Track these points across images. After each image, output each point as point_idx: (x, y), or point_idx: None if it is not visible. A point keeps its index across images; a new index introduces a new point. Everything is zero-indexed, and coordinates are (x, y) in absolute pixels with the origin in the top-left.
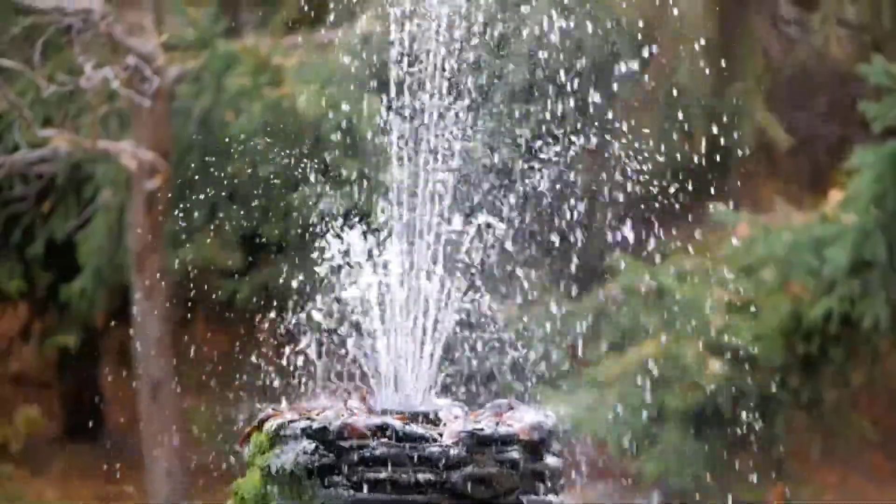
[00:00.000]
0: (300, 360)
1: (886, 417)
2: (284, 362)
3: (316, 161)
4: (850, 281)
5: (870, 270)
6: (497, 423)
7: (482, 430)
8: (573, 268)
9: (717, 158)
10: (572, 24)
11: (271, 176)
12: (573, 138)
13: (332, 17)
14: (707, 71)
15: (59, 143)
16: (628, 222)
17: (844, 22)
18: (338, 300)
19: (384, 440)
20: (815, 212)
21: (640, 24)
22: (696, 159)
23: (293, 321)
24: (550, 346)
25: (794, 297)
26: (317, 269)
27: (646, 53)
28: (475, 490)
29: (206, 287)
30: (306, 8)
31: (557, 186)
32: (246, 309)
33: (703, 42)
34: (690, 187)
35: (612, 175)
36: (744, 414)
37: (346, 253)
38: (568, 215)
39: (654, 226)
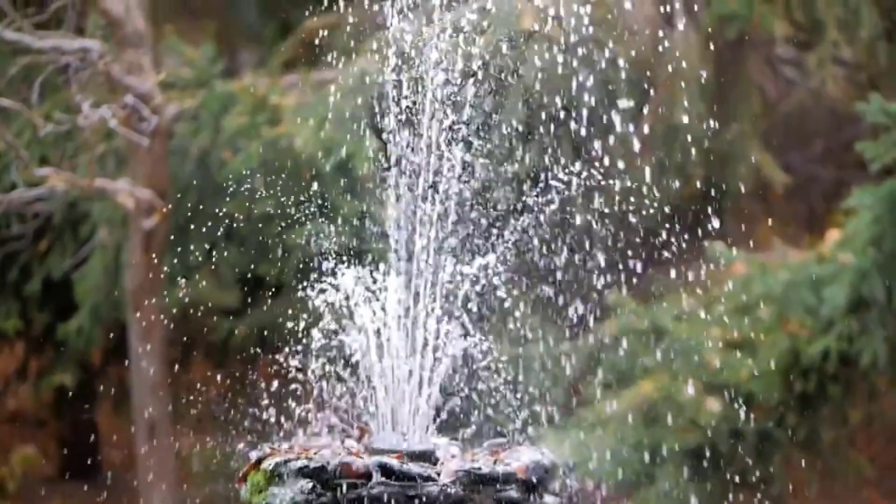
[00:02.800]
0: (297, 399)
1: (883, 455)
2: (282, 401)
3: (314, 200)
4: (847, 320)
5: (867, 309)
6: (494, 462)
7: (479, 469)
8: (570, 307)
9: (714, 198)
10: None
11: (269, 215)
12: (570, 178)
13: (329, 57)
14: (704, 111)
15: (56, 182)
16: (625, 261)
17: (841, 61)
18: (335, 339)
19: (381, 479)
20: (813, 251)
21: (638, 64)
22: (692, 199)
23: (290, 360)
24: (547, 385)
25: (792, 335)
26: (314, 308)
27: (643, 94)
28: None
29: (203, 326)
30: (304, 47)
31: (554, 225)
32: (243, 348)
33: (699, 82)
34: (687, 226)
35: (610, 214)
36: (741, 453)
37: (344, 292)
38: (565, 254)
39: (651, 265)
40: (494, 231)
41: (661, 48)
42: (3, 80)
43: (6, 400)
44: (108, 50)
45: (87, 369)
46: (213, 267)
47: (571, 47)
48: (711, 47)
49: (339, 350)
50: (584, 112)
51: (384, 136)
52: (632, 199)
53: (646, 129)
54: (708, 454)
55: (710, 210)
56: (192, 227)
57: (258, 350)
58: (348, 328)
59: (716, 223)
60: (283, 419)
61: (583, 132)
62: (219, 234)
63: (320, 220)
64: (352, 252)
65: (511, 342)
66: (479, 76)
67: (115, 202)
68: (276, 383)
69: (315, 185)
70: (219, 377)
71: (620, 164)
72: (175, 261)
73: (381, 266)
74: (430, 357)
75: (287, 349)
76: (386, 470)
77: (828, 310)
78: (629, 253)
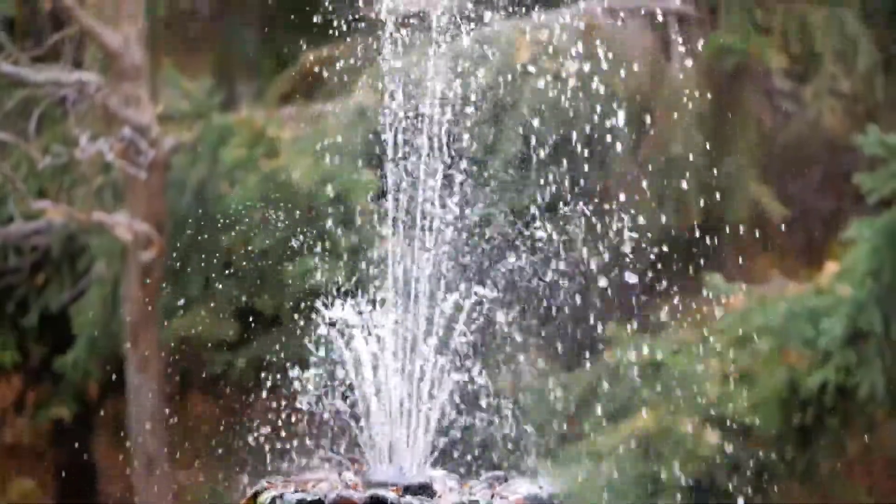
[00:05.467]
0: (295, 432)
1: (882, 485)
2: (279, 434)
3: (311, 233)
4: (845, 351)
5: (865, 341)
6: (492, 495)
7: (477, 501)
8: (568, 339)
9: (712, 230)
10: (567, 96)
11: (266, 247)
12: (567, 209)
13: (327, 89)
14: (701, 143)
15: (54, 214)
16: (624, 294)
17: (838, 93)
18: (333, 372)
19: None
20: (811, 283)
21: (635, 96)
22: (690, 231)
23: (288, 393)
24: (545, 418)
25: (790, 367)
26: (311, 341)
27: (640, 126)
28: None
29: (200, 359)
30: (301, 80)
31: (552, 257)
32: (241, 381)
33: (697, 114)
34: (685, 258)
35: (608, 246)
36: (740, 484)
37: (341, 325)
38: (563, 286)
39: (650, 297)
40: (492, 263)
41: (658, 80)
42: (0, 112)
43: (4, 432)
44: (105, 83)
45: (84, 402)
46: (210, 299)
47: (568, 80)
48: (709, 79)
49: (335, 382)
50: (582, 144)
51: (381, 168)
52: (630, 232)
53: (643, 161)
54: (707, 486)
55: (707, 242)
56: (190, 259)
57: (255, 383)
58: (345, 361)
59: (714, 255)
60: (280, 452)
61: (580, 164)
62: (216, 266)
63: (317, 253)
64: (348, 284)
65: (508, 374)
66: (477, 108)
67: (113, 235)
68: (273, 416)
69: (313, 218)
70: (216, 410)
71: (618, 196)
72: (172, 293)
73: (378, 298)
74: (427, 389)
75: (284, 382)
76: (383, 503)
77: (826, 342)
78: (627, 285)
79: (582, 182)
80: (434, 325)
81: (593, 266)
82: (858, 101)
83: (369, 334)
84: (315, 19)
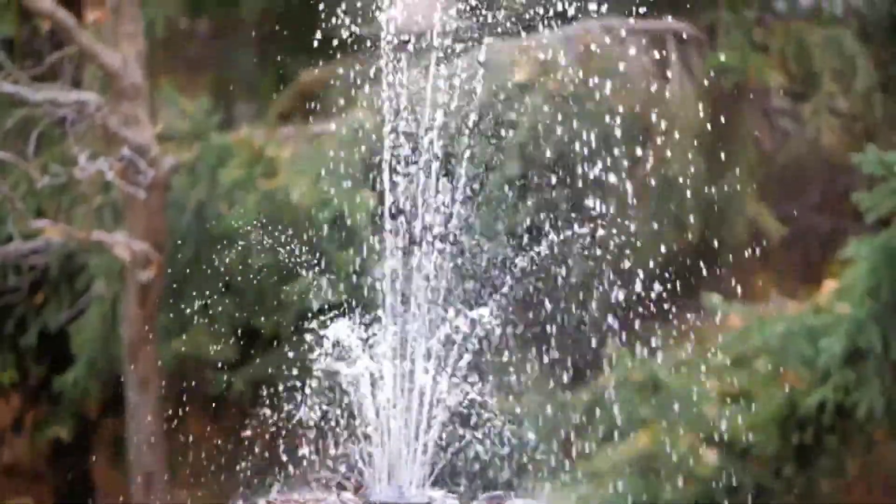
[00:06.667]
0: (294, 452)
1: None
2: (278, 454)
3: (310, 252)
4: (844, 370)
5: (864, 360)
6: None
7: None
8: (567, 359)
9: (710, 249)
10: (565, 115)
11: (265, 267)
12: (566, 229)
13: (326, 109)
14: (699, 162)
15: (53, 234)
16: (622, 313)
17: (836, 112)
18: (331, 392)
19: None
20: (809, 302)
21: (634, 115)
22: (688, 250)
23: (287, 413)
24: (544, 437)
25: (789, 386)
26: (310, 360)
27: (638, 145)
28: None
29: (199, 379)
30: (300, 99)
31: (551, 277)
32: (240, 401)
33: (695, 133)
34: (683, 278)
35: (606, 265)
36: None
37: (340, 345)
38: (561, 306)
39: (648, 317)
40: (490, 283)
41: (657, 99)
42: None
43: (2, 452)
44: (104, 102)
45: (83, 422)
46: (209, 319)
47: (566, 99)
48: (707, 98)
49: (335, 402)
50: (580, 164)
51: (379, 187)
52: (628, 251)
53: (641, 181)
54: None
55: (706, 261)
56: (189, 279)
57: (254, 403)
58: (344, 380)
59: (712, 274)
60: (279, 472)
61: (578, 184)
62: (215, 286)
63: (316, 272)
64: (347, 304)
65: (508, 394)
66: (475, 128)
67: (112, 254)
68: (272, 436)
69: (312, 237)
70: (215, 430)
71: (616, 216)
72: (171, 313)
73: (377, 318)
74: (427, 409)
75: (283, 402)
76: None
77: (824, 361)
78: (625, 305)
79: (580, 201)
80: (433, 345)
81: (592, 285)
82: (857, 120)
83: (368, 354)
84: (314, 39)
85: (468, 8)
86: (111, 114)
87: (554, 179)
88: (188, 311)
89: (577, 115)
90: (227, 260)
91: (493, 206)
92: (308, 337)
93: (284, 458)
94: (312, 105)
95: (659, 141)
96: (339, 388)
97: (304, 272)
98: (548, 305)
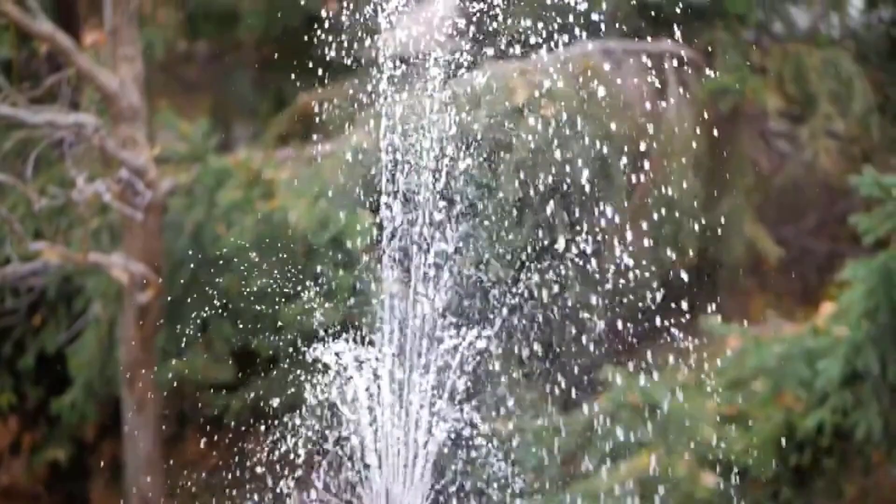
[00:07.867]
0: (292, 475)
1: None
2: (276, 477)
3: (308, 274)
4: (842, 393)
5: (862, 382)
6: None
7: None
8: (564, 381)
9: (708, 272)
10: (564, 137)
11: (263, 289)
12: (564, 252)
13: (324, 131)
14: (697, 185)
15: (50, 256)
16: (619, 335)
17: (834, 134)
18: (330, 414)
19: None
20: (807, 324)
21: (632, 137)
22: (686, 272)
23: (285, 435)
24: (541, 460)
25: (786, 408)
26: (308, 383)
27: (636, 168)
28: None
29: (197, 401)
30: (298, 121)
31: (548, 299)
32: (238, 423)
33: (693, 155)
34: (681, 300)
35: (603, 288)
36: None
37: (338, 367)
38: (559, 328)
39: (646, 339)
40: (488, 305)
41: (655, 121)
42: None
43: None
44: (102, 124)
45: (80, 444)
46: (207, 341)
47: (565, 122)
48: (705, 120)
49: (332, 426)
50: (578, 185)
51: (377, 209)
52: (626, 273)
53: (640, 202)
54: None
55: (704, 283)
56: (187, 301)
57: (252, 425)
58: (341, 404)
59: (710, 296)
60: (277, 494)
61: (576, 205)
62: (213, 308)
63: (314, 294)
64: (345, 326)
65: (504, 416)
66: (473, 150)
67: (110, 276)
68: (269, 459)
69: (309, 260)
70: (213, 452)
71: (614, 238)
72: (169, 335)
73: (375, 341)
74: (424, 431)
75: (280, 425)
76: None
77: (822, 383)
78: (623, 327)
79: (578, 223)
80: (430, 367)
81: (590, 307)
82: (854, 142)
83: (366, 375)
84: (311, 61)
85: (467, 31)
86: (109, 136)
87: (552, 202)
88: (186, 332)
89: (574, 137)
90: (225, 282)
91: (491, 229)
92: (306, 359)
93: (282, 480)
94: (310, 127)
95: (657, 163)
96: (335, 410)
97: (301, 294)
98: (545, 327)
